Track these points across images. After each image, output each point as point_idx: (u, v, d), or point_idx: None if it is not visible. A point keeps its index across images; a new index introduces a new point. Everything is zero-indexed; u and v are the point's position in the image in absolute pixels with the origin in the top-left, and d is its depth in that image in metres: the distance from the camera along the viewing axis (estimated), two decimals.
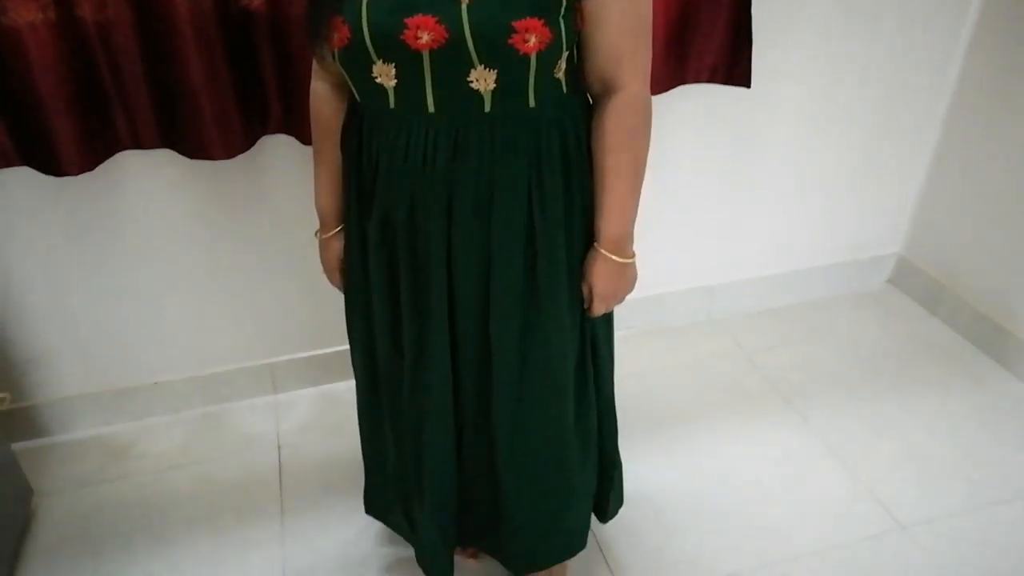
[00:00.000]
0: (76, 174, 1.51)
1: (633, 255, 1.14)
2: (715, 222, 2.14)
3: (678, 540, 1.62)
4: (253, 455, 1.86)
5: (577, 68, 1.07)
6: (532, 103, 1.01)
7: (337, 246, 1.25)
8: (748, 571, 1.55)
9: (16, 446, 1.82)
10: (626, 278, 1.15)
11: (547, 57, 0.97)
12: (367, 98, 1.04)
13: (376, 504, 1.51)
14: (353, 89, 1.06)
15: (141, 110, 1.51)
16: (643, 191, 1.11)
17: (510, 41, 0.93)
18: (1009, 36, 1.92)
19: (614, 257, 1.12)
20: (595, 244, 1.12)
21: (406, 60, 0.96)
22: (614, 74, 1.03)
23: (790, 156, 2.08)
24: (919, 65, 2.04)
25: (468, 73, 0.96)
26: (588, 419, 1.30)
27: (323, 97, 1.15)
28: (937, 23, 1.99)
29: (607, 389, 1.35)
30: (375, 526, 1.63)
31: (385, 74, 0.99)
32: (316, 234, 1.27)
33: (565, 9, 0.96)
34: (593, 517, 1.48)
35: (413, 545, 1.43)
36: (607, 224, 1.10)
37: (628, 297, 1.19)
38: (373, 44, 0.96)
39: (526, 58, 0.95)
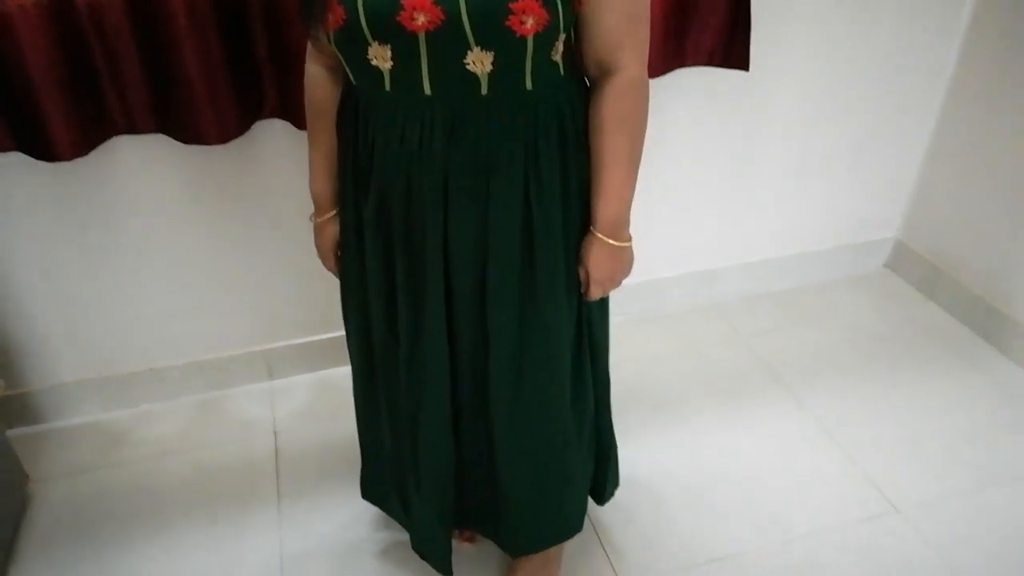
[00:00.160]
0: (69, 159, 1.50)
1: (630, 239, 1.14)
2: (712, 207, 2.13)
3: (674, 523, 1.62)
4: (249, 441, 1.86)
5: (575, 51, 1.06)
6: (529, 86, 1.00)
7: (332, 230, 1.24)
8: (744, 554, 1.56)
9: (11, 432, 1.82)
10: (623, 262, 1.15)
11: (544, 39, 0.96)
12: (362, 81, 1.03)
13: (372, 489, 1.51)
14: (348, 72, 1.05)
15: (134, 95, 1.49)
16: (640, 175, 1.10)
17: (507, 23, 0.92)
18: (1009, 20, 1.91)
19: (611, 241, 1.11)
20: (592, 228, 1.12)
21: (402, 42, 0.95)
22: (612, 57, 1.02)
23: (788, 140, 2.08)
24: (918, 49, 2.03)
25: (465, 55, 0.95)
26: (585, 402, 1.30)
27: (318, 80, 1.14)
28: (935, 6, 1.97)
29: (603, 373, 1.35)
30: (371, 511, 1.63)
31: (381, 56, 0.98)
32: (311, 219, 1.26)
33: None
34: (590, 500, 1.49)
35: (408, 531, 1.44)
36: (604, 208, 1.09)
37: (624, 282, 1.19)
38: (368, 25, 0.95)
39: (523, 40, 0.94)
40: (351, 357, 1.33)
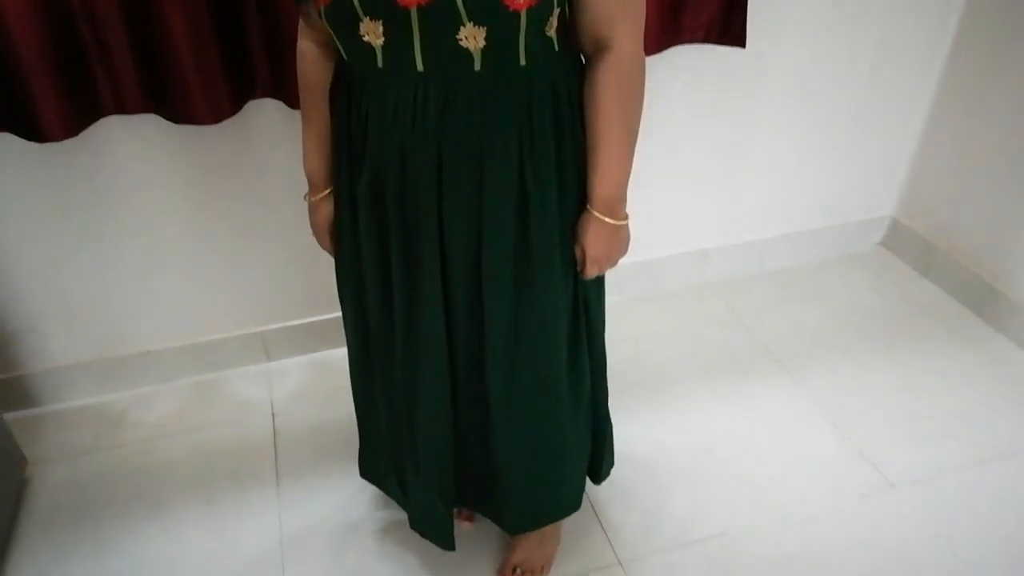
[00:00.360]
0: (59, 139, 1.48)
1: (626, 217, 1.14)
2: (708, 185, 2.13)
3: (671, 501, 1.63)
4: (247, 423, 1.86)
5: (569, 26, 1.04)
6: (523, 61, 0.99)
7: (327, 209, 1.23)
8: (740, 531, 1.57)
9: (8, 416, 1.82)
10: (619, 240, 1.15)
11: (538, 14, 0.95)
12: (354, 57, 1.02)
13: (370, 468, 1.51)
14: (340, 48, 1.04)
15: (124, 74, 1.48)
16: (636, 153, 1.09)
17: None
18: None
19: (607, 219, 1.11)
20: (588, 206, 1.11)
21: (394, 17, 0.94)
22: (607, 32, 1.01)
23: (784, 118, 2.07)
24: (914, 26, 2.01)
25: (457, 31, 0.94)
26: (582, 382, 1.30)
27: (310, 57, 1.12)
28: None
29: (599, 352, 1.35)
30: (369, 491, 1.64)
31: (372, 32, 0.97)
32: (305, 198, 1.26)
33: None
34: (587, 479, 1.50)
35: (406, 510, 1.44)
36: (599, 186, 1.09)
37: (621, 261, 1.19)
38: (360, 1, 0.94)
39: (516, 15, 0.93)
40: (347, 336, 1.33)
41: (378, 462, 1.47)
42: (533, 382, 1.22)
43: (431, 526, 1.40)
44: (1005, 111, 1.96)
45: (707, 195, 2.15)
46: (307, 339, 2.03)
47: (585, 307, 1.25)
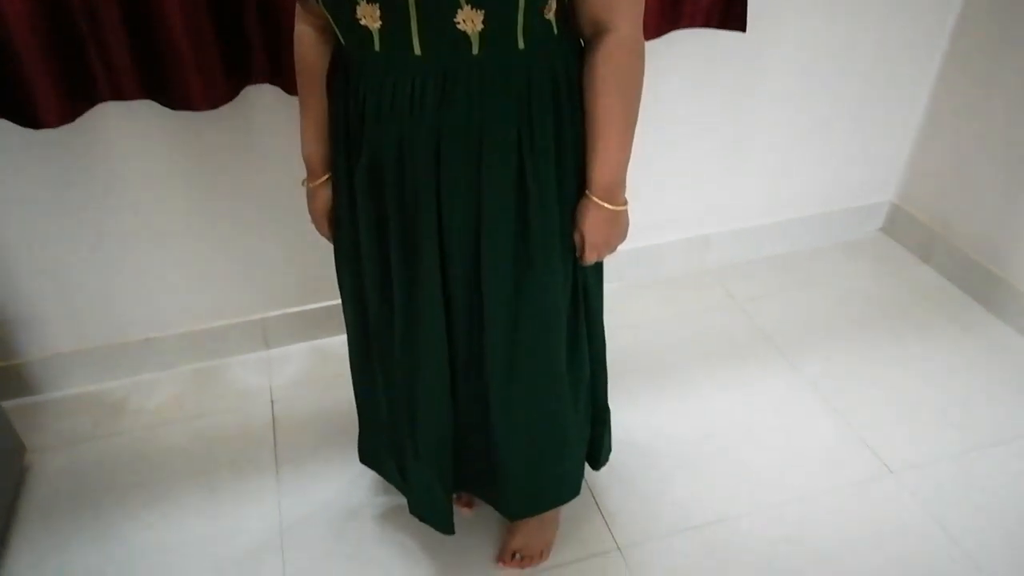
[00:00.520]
0: (55, 126, 1.47)
1: (625, 203, 1.13)
2: (708, 171, 2.12)
3: (670, 487, 1.64)
4: (247, 410, 1.86)
5: (568, 8, 1.03)
6: (521, 45, 0.98)
7: (325, 195, 1.23)
8: (739, 516, 1.58)
9: (7, 404, 1.82)
10: (618, 226, 1.14)
11: None
12: (352, 41, 1.01)
13: (370, 453, 1.51)
14: (337, 32, 1.03)
15: (120, 59, 1.46)
16: (635, 138, 1.09)
17: None
18: None
19: (606, 205, 1.10)
20: (587, 191, 1.11)
21: (390, 0, 0.93)
22: (606, 16, 1.00)
23: (784, 103, 2.05)
24: (915, 11, 2.00)
25: (455, 14, 0.93)
26: (581, 368, 1.30)
27: (307, 41, 1.11)
28: None
29: (598, 338, 1.35)
30: (369, 477, 1.64)
31: (369, 15, 0.96)
32: (304, 184, 1.25)
33: None
34: (587, 465, 1.50)
35: (406, 495, 1.45)
36: (599, 171, 1.08)
37: (620, 247, 1.18)
38: None
39: None
40: (346, 322, 1.33)
41: (378, 447, 1.47)
42: (533, 368, 1.22)
43: (430, 510, 1.41)
44: (1006, 97, 1.95)
45: (707, 181, 2.14)
46: (306, 326, 2.03)
47: (585, 294, 1.24)
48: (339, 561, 1.51)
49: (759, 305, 2.14)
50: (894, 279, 2.23)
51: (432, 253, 1.11)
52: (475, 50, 0.97)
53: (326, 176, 1.21)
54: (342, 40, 1.04)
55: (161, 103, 1.54)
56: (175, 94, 1.51)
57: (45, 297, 1.79)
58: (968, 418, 1.78)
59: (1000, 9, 1.92)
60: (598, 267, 1.27)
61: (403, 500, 1.48)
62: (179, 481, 1.68)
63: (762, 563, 1.49)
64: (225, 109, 1.59)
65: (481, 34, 0.95)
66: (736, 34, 1.80)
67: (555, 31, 1.02)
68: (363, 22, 0.97)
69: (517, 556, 1.48)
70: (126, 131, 1.62)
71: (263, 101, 1.66)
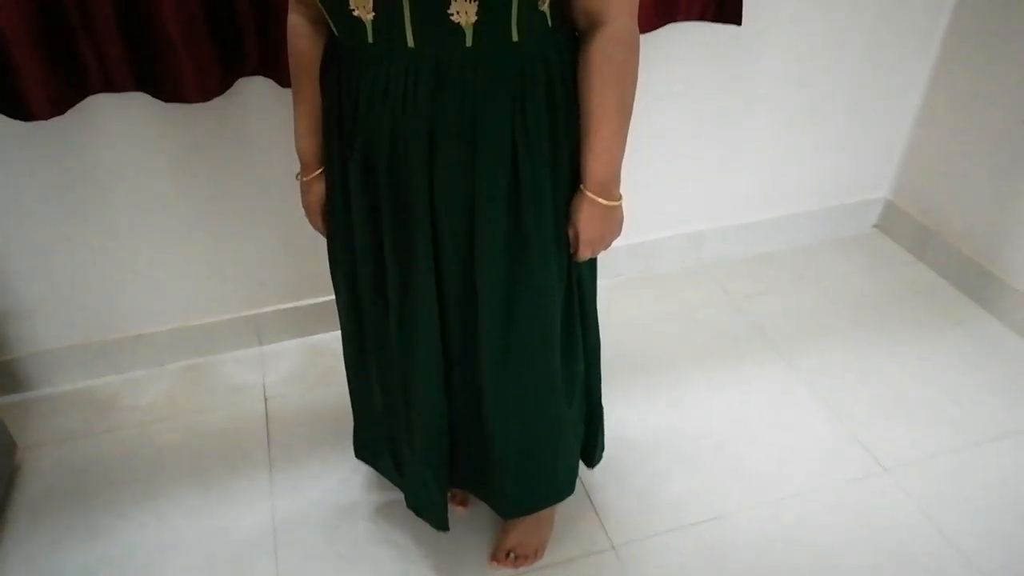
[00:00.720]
0: (46, 118, 1.46)
1: (620, 198, 1.12)
2: (702, 166, 2.11)
3: (665, 484, 1.63)
4: (240, 406, 1.85)
5: (563, 1, 1.03)
6: (516, 37, 0.97)
7: (319, 189, 1.22)
8: (733, 514, 1.57)
9: None
10: (613, 221, 1.13)
11: None
12: (345, 32, 1.00)
13: (365, 449, 1.51)
14: (330, 23, 1.02)
15: (111, 50, 1.45)
16: (630, 133, 1.08)
17: None
18: None
19: (600, 199, 1.09)
20: (581, 186, 1.10)
21: None
22: (601, 8, 0.99)
23: (778, 100, 2.05)
24: (910, 8, 2.00)
25: (448, 5, 0.92)
26: (575, 364, 1.29)
27: (300, 31, 1.10)
28: None
29: (592, 335, 1.34)
30: (363, 474, 1.63)
31: (362, 6, 0.95)
32: (297, 177, 1.24)
33: None
34: (581, 463, 1.49)
35: (402, 490, 1.44)
36: (593, 165, 1.07)
37: (615, 244, 1.17)
38: None
39: None
40: (340, 316, 1.32)
41: (373, 442, 1.46)
42: (526, 364, 1.21)
43: (426, 505, 1.40)
44: (1002, 93, 1.95)
45: (701, 176, 2.13)
46: (299, 322, 2.02)
47: (579, 290, 1.24)
48: (332, 559, 1.51)
49: (754, 301, 2.14)
50: (888, 276, 2.23)
51: (426, 247, 1.10)
52: (468, 42, 0.96)
53: (320, 170, 1.20)
54: (335, 31, 1.03)
55: (153, 95, 1.53)
56: (167, 86, 1.50)
57: (36, 292, 1.78)
58: (963, 415, 1.78)
59: (994, 12, 1.91)
60: (592, 263, 1.26)
61: (398, 497, 1.47)
62: (172, 478, 1.67)
63: (757, 561, 1.49)
64: (218, 102, 1.57)
65: (475, 26, 0.94)
66: (731, 28, 1.80)
67: (549, 23, 1.01)
68: (356, 13, 0.96)
69: (511, 555, 1.47)
70: (117, 124, 1.61)
71: (256, 93, 1.64)
